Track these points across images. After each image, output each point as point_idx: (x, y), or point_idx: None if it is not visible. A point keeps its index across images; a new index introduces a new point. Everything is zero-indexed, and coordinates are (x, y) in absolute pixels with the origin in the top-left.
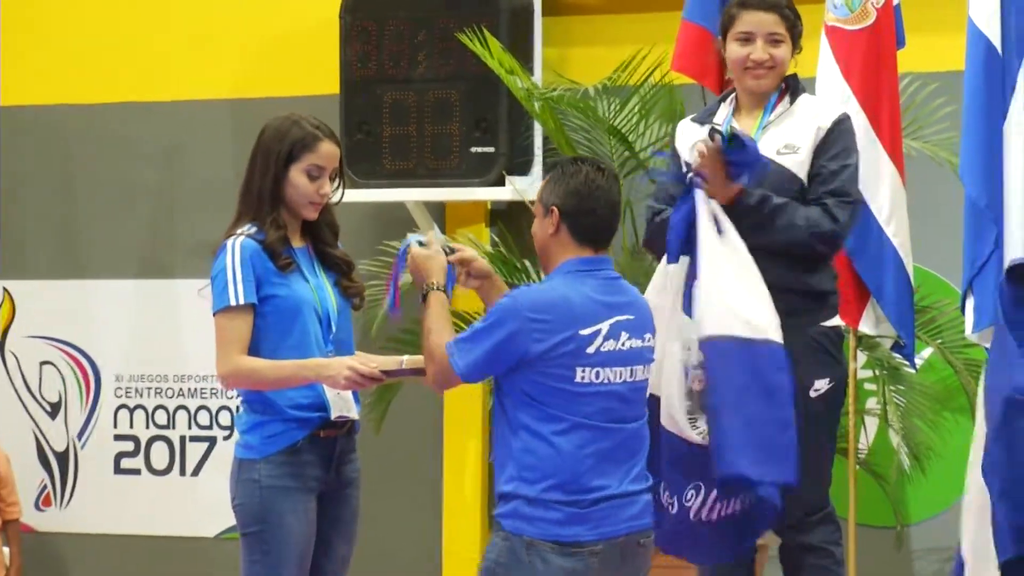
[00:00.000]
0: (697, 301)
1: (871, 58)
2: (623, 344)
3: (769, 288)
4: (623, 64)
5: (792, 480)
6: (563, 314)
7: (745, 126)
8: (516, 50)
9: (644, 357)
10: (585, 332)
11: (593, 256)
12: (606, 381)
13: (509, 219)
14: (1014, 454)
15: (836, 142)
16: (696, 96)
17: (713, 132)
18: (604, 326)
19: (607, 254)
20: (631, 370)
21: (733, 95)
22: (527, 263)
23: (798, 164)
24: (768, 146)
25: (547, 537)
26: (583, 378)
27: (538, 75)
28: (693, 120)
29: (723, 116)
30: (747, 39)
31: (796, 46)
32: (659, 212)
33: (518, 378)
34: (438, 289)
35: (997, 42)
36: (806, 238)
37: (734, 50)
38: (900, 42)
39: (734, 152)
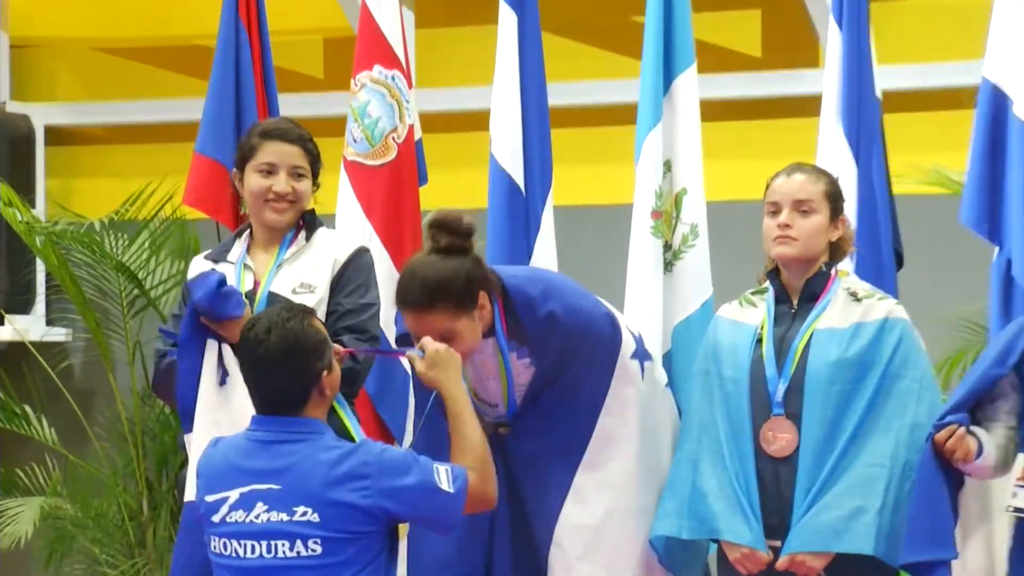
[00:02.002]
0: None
1: (392, 194)
2: (256, 517)
3: None
4: (131, 197)
5: None
6: (204, 475)
7: (261, 263)
8: (16, 181)
9: (289, 533)
10: (212, 498)
11: (258, 416)
12: (234, 555)
13: (9, 360)
14: None
15: (353, 277)
16: (211, 232)
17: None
18: (233, 494)
19: (298, 414)
20: (270, 545)
21: (248, 230)
22: (27, 408)
23: (316, 302)
24: (284, 285)
25: None
26: (216, 548)
27: (41, 208)
28: (207, 258)
29: (238, 253)
30: (269, 171)
31: (316, 182)
32: (166, 355)
33: None
34: None
35: (520, 180)
36: None
37: (255, 181)
38: (422, 178)
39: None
